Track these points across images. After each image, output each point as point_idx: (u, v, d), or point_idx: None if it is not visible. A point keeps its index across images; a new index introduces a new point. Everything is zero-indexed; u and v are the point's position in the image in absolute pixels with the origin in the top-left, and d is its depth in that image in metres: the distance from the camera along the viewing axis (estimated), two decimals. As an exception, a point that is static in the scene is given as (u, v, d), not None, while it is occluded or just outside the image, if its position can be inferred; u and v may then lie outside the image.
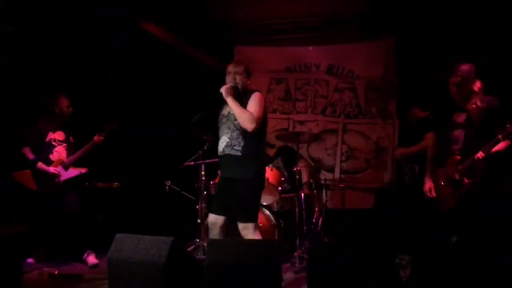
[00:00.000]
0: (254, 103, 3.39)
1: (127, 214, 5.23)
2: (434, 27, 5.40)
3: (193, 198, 5.11)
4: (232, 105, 3.35)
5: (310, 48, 6.31)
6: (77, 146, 4.63)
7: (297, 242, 4.52)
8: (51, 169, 4.48)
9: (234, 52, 6.54)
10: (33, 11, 4.51)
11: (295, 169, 4.77)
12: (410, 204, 4.54)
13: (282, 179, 4.85)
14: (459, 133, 3.47)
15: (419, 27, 5.52)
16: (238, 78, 3.48)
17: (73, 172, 4.56)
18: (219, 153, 3.47)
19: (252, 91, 3.48)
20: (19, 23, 4.53)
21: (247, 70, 3.54)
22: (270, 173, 4.74)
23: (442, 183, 3.55)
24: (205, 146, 4.78)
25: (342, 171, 6.05)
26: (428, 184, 3.63)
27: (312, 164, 6.01)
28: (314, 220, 4.93)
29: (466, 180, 3.38)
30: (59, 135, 4.63)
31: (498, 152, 3.28)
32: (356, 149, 6.02)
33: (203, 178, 4.82)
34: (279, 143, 5.68)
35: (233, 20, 6.04)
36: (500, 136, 3.18)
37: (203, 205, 4.83)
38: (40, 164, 4.46)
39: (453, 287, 3.20)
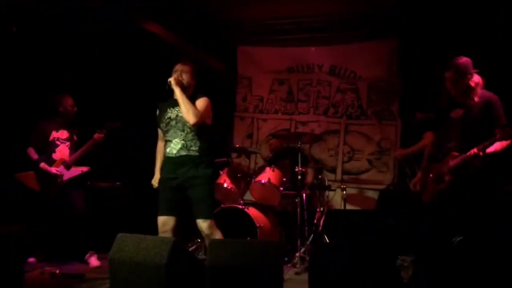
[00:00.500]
0: (202, 103, 3.50)
1: (129, 214, 5.22)
2: (437, 27, 5.39)
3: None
4: (179, 96, 3.40)
5: (313, 48, 6.30)
6: (80, 144, 4.63)
7: (299, 242, 4.52)
8: (53, 169, 4.48)
9: (237, 52, 6.54)
10: (36, 11, 4.51)
11: (296, 169, 4.76)
12: (412, 206, 4.52)
13: (284, 179, 4.85)
14: (457, 130, 3.41)
15: (421, 27, 5.51)
16: (184, 76, 3.52)
17: (75, 171, 4.56)
18: (171, 154, 3.49)
19: (201, 96, 3.57)
20: (23, 23, 4.54)
21: (194, 71, 3.59)
22: (271, 174, 4.74)
23: (431, 176, 3.53)
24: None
25: (344, 172, 6.04)
26: (416, 178, 3.62)
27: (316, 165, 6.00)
28: (315, 221, 4.93)
29: (448, 177, 3.35)
30: (62, 134, 4.63)
31: (494, 152, 3.22)
32: (358, 150, 6.01)
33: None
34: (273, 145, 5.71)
35: (236, 20, 6.04)
36: (498, 137, 3.11)
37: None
38: (43, 165, 4.47)
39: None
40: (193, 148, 3.47)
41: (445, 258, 3.38)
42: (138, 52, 5.62)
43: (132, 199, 5.45)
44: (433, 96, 4.95)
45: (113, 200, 5.29)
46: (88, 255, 4.49)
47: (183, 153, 3.46)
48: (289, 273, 4.16)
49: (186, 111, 3.37)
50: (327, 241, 4.86)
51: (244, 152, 5.54)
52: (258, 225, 4.47)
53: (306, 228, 4.68)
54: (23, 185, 4.48)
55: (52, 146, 4.57)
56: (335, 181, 5.93)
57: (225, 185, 4.84)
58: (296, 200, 4.70)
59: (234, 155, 6.20)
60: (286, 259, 4.42)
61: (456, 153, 3.37)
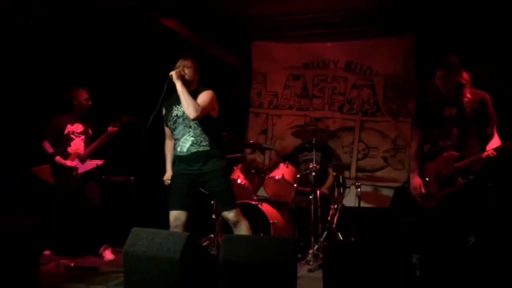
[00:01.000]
0: (205, 96, 3.49)
1: (143, 208, 5.25)
2: (455, 24, 5.30)
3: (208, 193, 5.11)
4: (179, 90, 3.41)
5: (328, 44, 6.24)
6: (95, 138, 4.66)
7: (312, 240, 4.50)
8: (68, 162, 4.51)
9: (251, 47, 6.52)
10: (53, 5, 4.54)
11: (311, 166, 4.73)
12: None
13: (298, 176, 4.82)
14: (451, 128, 3.36)
15: (439, 24, 5.43)
16: (187, 71, 3.53)
17: (90, 164, 4.59)
18: (182, 153, 3.53)
19: (205, 88, 3.57)
20: (39, 16, 4.57)
21: (196, 66, 3.60)
22: (285, 170, 4.72)
23: (427, 179, 3.46)
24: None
25: (358, 169, 5.98)
26: (417, 180, 3.48)
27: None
28: (329, 218, 4.90)
29: (460, 180, 3.27)
30: (77, 127, 4.66)
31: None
32: (373, 147, 5.95)
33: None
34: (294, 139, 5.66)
35: (251, 16, 6.01)
36: None
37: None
38: (58, 158, 4.51)
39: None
40: (203, 143, 3.49)
41: (460, 258, 3.33)
42: (154, 47, 5.63)
43: (147, 193, 5.48)
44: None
45: (128, 194, 5.32)
46: (102, 248, 4.53)
47: (194, 149, 3.49)
48: (302, 270, 4.15)
49: (187, 105, 3.38)
50: (341, 238, 4.83)
51: (259, 148, 5.53)
52: (271, 221, 4.46)
53: (320, 225, 4.65)
54: (39, 179, 4.52)
55: (67, 139, 4.60)
56: (349, 178, 5.88)
57: (239, 181, 4.84)
58: (310, 197, 4.67)
59: (248, 151, 6.19)
60: (299, 256, 4.40)
61: (455, 153, 3.32)
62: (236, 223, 3.50)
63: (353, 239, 4.97)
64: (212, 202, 4.83)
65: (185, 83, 3.47)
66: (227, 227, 4.48)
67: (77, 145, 4.64)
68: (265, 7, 5.69)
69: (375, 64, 6.04)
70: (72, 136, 4.63)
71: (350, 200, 5.49)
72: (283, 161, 4.88)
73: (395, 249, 2.91)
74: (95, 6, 4.68)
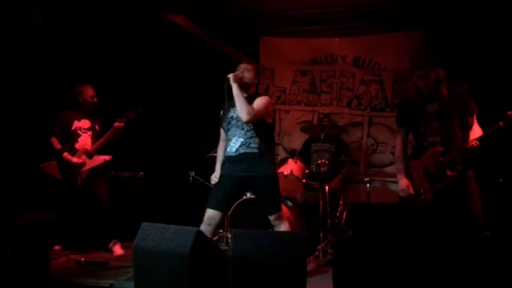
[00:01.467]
0: (261, 101, 3.51)
1: (152, 204, 5.28)
2: (464, 19, 5.26)
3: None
4: (235, 92, 3.41)
5: (336, 39, 6.21)
6: (103, 134, 4.68)
7: (321, 235, 4.50)
8: (75, 159, 4.54)
9: (259, 43, 6.51)
10: (60, 3, 4.55)
11: (319, 161, 4.72)
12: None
13: (307, 171, 4.82)
14: (436, 124, 3.37)
15: (448, 19, 5.38)
16: (246, 74, 3.56)
17: (97, 160, 4.60)
18: (231, 153, 3.56)
19: (263, 94, 3.66)
20: (47, 14, 4.58)
21: (257, 71, 3.64)
22: (294, 166, 4.71)
23: (416, 175, 3.45)
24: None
25: (367, 165, 5.97)
26: (405, 181, 3.49)
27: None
28: (338, 214, 4.89)
29: (449, 173, 3.28)
30: (84, 123, 4.68)
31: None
32: (382, 143, 5.92)
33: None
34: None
35: (258, 11, 5.98)
36: (502, 123, 3.06)
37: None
38: (66, 155, 4.53)
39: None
40: (252, 145, 3.51)
41: (472, 253, 3.32)
42: (162, 42, 5.64)
43: (156, 189, 5.50)
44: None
45: (137, 190, 5.34)
46: (112, 243, 4.55)
47: (242, 150, 3.51)
48: (311, 265, 4.15)
49: (240, 108, 3.40)
50: (350, 234, 4.82)
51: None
52: (280, 216, 4.45)
53: (329, 220, 4.65)
54: (47, 175, 4.55)
55: (75, 135, 4.63)
56: (358, 174, 5.86)
57: (248, 176, 4.83)
58: (319, 193, 4.66)
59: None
60: (308, 251, 4.40)
61: (440, 148, 3.32)
62: (274, 225, 3.61)
63: (362, 234, 4.96)
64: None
65: (243, 86, 3.51)
66: (236, 222, 4.50)
67: (85, 141, 4.66)
68: (273, 2, 5.67)
69: (383, 59, 6.01)
70: (79, 132, 4.65)
71: (359, 195, 5.48)
72: (292, 157, 4.88)
73: (403, 245, 2.90)
74: (104, 4, 4.69)
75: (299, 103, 6.37)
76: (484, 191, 4.12)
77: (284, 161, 4.91)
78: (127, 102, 5.13)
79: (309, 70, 6.35)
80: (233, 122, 3.57)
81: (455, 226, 3.29)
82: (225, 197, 3.57)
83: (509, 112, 3.03)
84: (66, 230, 4.58)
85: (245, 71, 3.56)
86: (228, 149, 3.58)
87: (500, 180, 4.64)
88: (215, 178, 3.69)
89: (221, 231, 4.77)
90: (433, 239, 3.36)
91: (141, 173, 5.35)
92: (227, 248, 4.40)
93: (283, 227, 3.59)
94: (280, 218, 3.59)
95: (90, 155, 4.59)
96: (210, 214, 3.51)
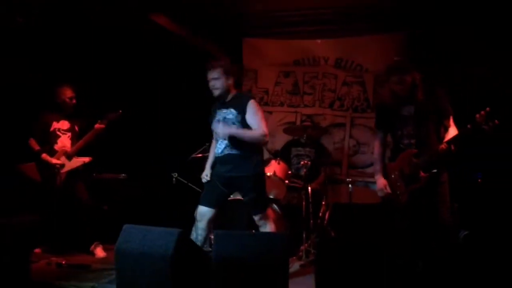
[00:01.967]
0: (253, 114, 3.52)
1: (134, 206, 5.24)
2: (446, 21, 5.34)
3: (200, 190, 5.10)
4: (239, 135, 3.48)
5: (319, 41, 6.25)
6: (82, 135, 4.62)
7: (304, 236, 4.52)
8: (54, 160, 4.49)
9: (242, 44, 6.51)
10: (40, 2, 4.50)
11: (302, 162, 4.75)
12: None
13: (289, 172, 4.83)
14: (412, 126, 3.42)
15: (440, 24, 5.45)
16: (217, 83, 3.56)
17: (77, 162, 4.56)
18: (218, 154, 3.63)
19: (245, 97, 3.62)
20: (28, 14, 4.53)
21: (225, 72, 3.58)
22: (277, 167, 4.72)
23: (393, 176, 3.51)
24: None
25: (349, 166, 6.01)
26: (382, 181, 3.56)
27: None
28: (320, 215, 4.92)
29: (422, 174, 3.33)
30: (63, 125, 4.63)
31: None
32: (364, 144, 5.98)
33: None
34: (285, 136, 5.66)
35: (241, 12, 6.00)
36: (469, 126, 3.12)
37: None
38: (44, 156, 4.48)
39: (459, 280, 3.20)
40: (236, 146, 3.53)
41: (450, 253, 3.37)
42: (143, 43, 5.60)
43: (138, 191, 5.46)
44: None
45: (118, 192, 5.30)
46: (93, 246, 4.51)
47: (227, 152, 3.57)
48: (294, 266, 4.17)
49: (256, 140, 3.52)
50: (333, 234, 4.86)
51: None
52: (263, 217, 4.46)
53: (311, 221, 4.68)
54: (26, 177, 4.49)
55: (54, 137, 4.57)
56: (340, 174, 5.91)
57: (231, 177, 4.83)
58: (302, 194, 4.68)
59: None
60: (291, 252, 4.42)
61: (414, 150, 3.38)
62: (260, 226, 3.66)
63: (344, 235, 4.99)
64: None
65: (223, 96, 3.57)
66: (219, 223, 4.50)
67: (64, 142, 4.61)
68: (255, 4, 5.68)
69: (365, 61, 6.08)
70: (58, 133, 4.60)
71: (341, 196, 5.52)
72: (274, 158, 4.89)
73: (384, 245, 2.94)
74: (86, 5, 4.65)
75: (282, 104, 6.40)
76: (464, 191, 4.21)
77: (267, 162, 4.92)
78: (108, 102, 5.09)
79: (292, 72, 6.38)
80: (220, 124, 3.59)
81: (427, 227, 3.36)
82: (215, 195, 3.62)
83: (477, 115, 3.08)
84: (46, 232, 4.52)
85: (213, 81, 3.56)
86: (216, 150, 3.65)
87: (479, 180, 4.72)
88: (206, 176, 3.73)
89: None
90: (412, 240, 3.41)
91: (123, 174, 5.31)
92: (210, 249, 4.39)
93: (268, 227, 3.62)
94: (265, 219, 3.63)
95: (69, 156, 4.54)
96: (200, 210, 3.59)
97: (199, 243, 3.53)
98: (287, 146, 5.51)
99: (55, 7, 4.55)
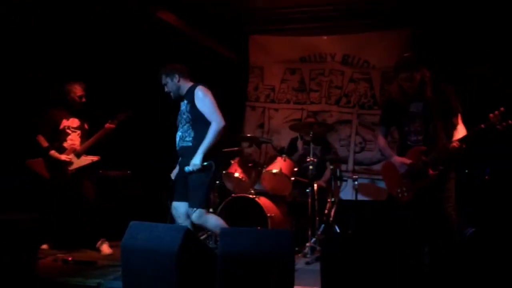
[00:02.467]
0: (202, 101, 3.51)
1: (140, 202, 5.25)
2: (451, 18, 5.31)
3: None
4: (205, 150, 3.43)
5: (325, 37, 6.24)
6: (92, 133, 4.64)
7: (309, 233, 4.51)
8: (63, 156, 4.49)
9: (248, 41, 6.50)
10: (61, 3, 4.52)
11: (308, 159, 4.73)
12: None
13: (295, 169, 4.82)
14: (419, 123, 3.39)
15: (440, 23, 5.42)
16: (167, 88, 3.66)
17: (85, 160, 4.57)
18: (176, 147, 3.65)
19: (194, 86, 3.59)
20: (39, 12, 4.55)
21: (167, 75, 3.64)
22: (283, 164, 4.72)
23: (400, 173, 3.47)
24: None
25: (355, 163, 6.00)
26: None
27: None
28: (326, 211, 4.91)
29: (431, 172, 3.31)
30: (73, 122, 4.63)
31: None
32: (370, 141, 5.96)
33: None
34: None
35: (248, 9, 5.99)
36: (483, 125, 3.09)
37: (216, 194, 4.83)
38: (53, 152, 4.49)
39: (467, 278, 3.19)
40: (187, 138, 3.55)
41: (457, 250, 3.35)
42: (150, 42, 5.61)
43: (143, 188, 5.47)
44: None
45: (125, 189, 5.31)
46: (99, 242, 4.52)
47: (180, 144, 3.60)
48: (299, 262, 4.16)
49: (216, 138, 3.45)
50: (338, 231, 4.85)
51: (256, 141, 5.52)
52: (268, 214, 4.47)
53: (317, 218, 4.67)
54: (34, 172, 4.50)
55: (63, 134, 4.58)
56: (346, 171, 5.89)
57: (236, 174, 4.83)
58: (307, 191, 4.68)
59: (245, 144, 6.19)
60: (296, 249, 4.42)
61: (422, 147, 3.35)
62: (197, 225, 3.52)
63: (350, 232, 4.99)
64: (210, 196, 4.84)
65: (178, 96, 3.63)
66: (225, 220, 4.49)
67: (73, 140, 4.61)
68: (262, 1, 5.67)
69: (372, 58, 6.05)
70: (67, 131, 4.60)
71: (347, 193, 5.50)
72: (280, 155, 4.88)
73: (391, 242, 2.92)
74: (92, 3, 4.66)
75: (288, 102, 6.39)
76: (471, 189, 4.17)
77: (273, 159, 4.92)
78: (120, 101, 5.11)
79: (298, 69, 6.37)
80: (179, 117, 3.64)
81: (432, 225, 3.34)
82: (179, 188, 3.62)
83: (491, 115, 3.06)
84: (53, 229, 4.54)
85: (165, 87, 3.64)
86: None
87: (487, 177, 4.69)
88: (173, 174, 3.81)
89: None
90: (418, 237, 3.39)
91: (128, 171, 5.32)
92: (215, 246, 4.40)
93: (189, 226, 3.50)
94: (200, 219, 3.47)
95: (78, 154, 4.55)
96: (173, 205, 3.64)
97: None
98: (293, 143, 5.50)
99: (60, 8, 4.57)
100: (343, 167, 5.95)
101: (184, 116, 3.57)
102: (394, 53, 5.85)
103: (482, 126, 3.10)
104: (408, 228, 3.44)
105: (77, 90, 4.58)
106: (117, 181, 5.33)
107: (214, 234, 4.63)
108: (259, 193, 4.79)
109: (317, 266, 3.80)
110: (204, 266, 2.98)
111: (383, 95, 5.91)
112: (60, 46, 4.96)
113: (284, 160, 4.75)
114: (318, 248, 4.42)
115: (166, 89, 3.67)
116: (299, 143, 5.36)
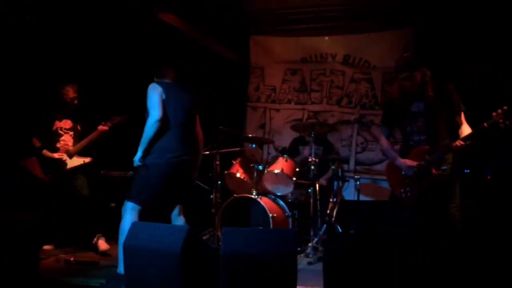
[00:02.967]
0: (147, 99, 3.57)
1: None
2: (456, 20, 5.30)
3: (207, 187, 5.12)
4: (145, 147, 3.57)
5: (326, 38, 6.24)
6: (85, 135, 4.64)
7: (311, 233, 4.51)
8: (56, 155, 4.52)
9: (249, 42, 6.51)
10: (61, 3, 4.52)
11: (310, 159, 4.73)
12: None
13: (297, 169, 4.82)
14: (421, 123, 3.38)
15: (440, 20, 5.41)
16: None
17: (77, 161, 4.58)
18: None
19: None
20: (35, 12, 4.54)
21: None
22: (285, 164, 4.72)
23: (403, 173, 3.46)
24: (220, 136, 4.79)
25: (357, 163, 5.99)
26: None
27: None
28: (328, 211, 4.90)
29: (434, 171, 3.30)
30: (65, 124, 4.66)
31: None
32: (372, 141, 5.96)
33: (218, 168, 4.82)
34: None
35: (249, 10, 6.00)
36: (486, 124, 3.08)
37: (218, 194, 4.84)
38: (45, 151, 4.52)
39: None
40: (143, 138, 3.58)
41: (459, 250, 3.35)
42: (153, 42, 5.60)
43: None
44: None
45: (126, 189, 5.30)
46: (95, 238, 4.51)
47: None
48: (302, 262, 4.16)
49: (152, 138, 3.54)
50: (340, 231, 4.84)
51: (257, 142, 5.53)
52: (271, 215, 4.47)
53: (319, 218, 4.66)
54: (28, 172, 4.51)
55: (56, 135, 4.60)
56: (348, 171, 5.89)
57: (238, 174, 4.84)
58: (309, 191, 4.68)
59: (247, 145, 6.19)
60: (298, 249, 4.42)
61: (425, 147, 3.35)
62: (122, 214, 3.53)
63: (352, 232, 4.98)
64: (212, 196, 4.85)
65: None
66: (226, 220, 4.50)
67: (66, 141, 4.64)
68: (263, 1, 5.68)
69: (373, 58, 6.05)
70: (60, 132, 4.62)
71: (349, 193, 5.50)
72: (282, 155, 4.88)
73: (393, 242, 2.92)
74: (92, 3, 4.66)
75: (289, 102, 6.39)
76: (473, 188, 4.17)
77: (274, 159, 4.92)
78: (124, 102, 5.10)
79: (299, 69, 6.37)
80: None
81: (436, 225, 3.33)
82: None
83: (494, 113, 3.05)
84: (54, 229, 4.54)
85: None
86: None
87: (489, 177, 4.69)
88: None
89: (212, 229, 4.77)
90: (420, 237, 3.39)
91: (130, 172, 5.31)
92: (217, 246, 4.40)
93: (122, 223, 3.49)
94: (125, 206, 3.52)
95: (70, 155, 4.57)
96: None
97: None
98: (294, 143, 5.50)
99: (60, 7, 4.57)
100: (345, 167, 5.94)
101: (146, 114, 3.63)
102: (394, 53, 5.85)
103: (485, 125, 3.10)
104: (411, 228, 3.43)
105: (70, 92, 4.59)
106: (118, 182, 5.32)
107: (217, 234, 4.65)
108: (261, 193, 4.79)
109: (319, 266, 3.82)
110: (207, 266, 2.99)
111: (384, 96, 5.91)
112: (60, 46, 4.95)
113: (286, 161, 4.76)
114: (320, 248, 4.42)
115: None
116: (305, 149, 5.33)
